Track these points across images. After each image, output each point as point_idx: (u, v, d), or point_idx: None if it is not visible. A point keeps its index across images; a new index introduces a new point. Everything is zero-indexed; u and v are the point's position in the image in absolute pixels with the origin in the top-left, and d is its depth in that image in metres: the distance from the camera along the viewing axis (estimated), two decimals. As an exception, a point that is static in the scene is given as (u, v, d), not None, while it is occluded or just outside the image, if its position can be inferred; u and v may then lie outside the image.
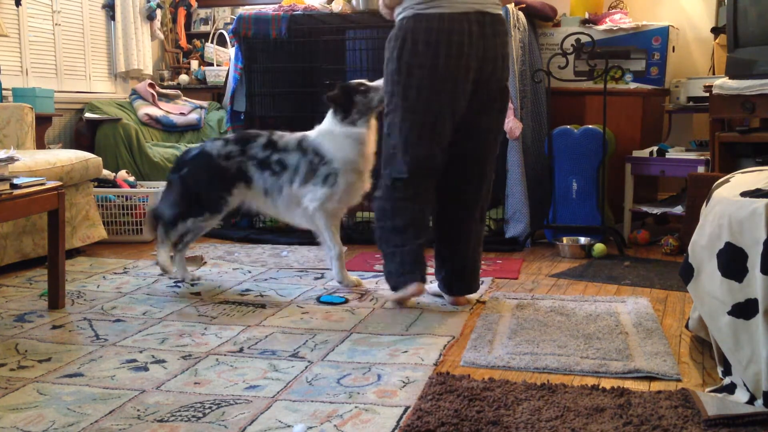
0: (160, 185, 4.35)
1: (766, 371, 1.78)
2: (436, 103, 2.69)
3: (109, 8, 5.28)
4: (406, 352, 2.34)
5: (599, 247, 3.82)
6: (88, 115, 4.69)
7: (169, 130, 5.18)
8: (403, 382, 2.07)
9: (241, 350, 2.36)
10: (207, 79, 5.63)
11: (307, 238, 3.99)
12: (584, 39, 4.24)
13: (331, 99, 3.10)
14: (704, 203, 2.26)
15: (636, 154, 4.22)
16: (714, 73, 4.57)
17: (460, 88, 2.69)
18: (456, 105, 2.71)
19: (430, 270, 2.92)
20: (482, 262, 3.64)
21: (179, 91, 5.51)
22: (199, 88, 5.70)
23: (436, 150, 2.75)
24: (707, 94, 3.88)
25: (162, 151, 4.71)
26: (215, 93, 5.71)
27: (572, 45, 4.27)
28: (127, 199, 4.19)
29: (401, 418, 1.83)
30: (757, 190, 1.98)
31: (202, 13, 5.98)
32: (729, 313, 1.92)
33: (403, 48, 2.67)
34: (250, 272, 3.48)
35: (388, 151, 2.81)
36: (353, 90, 3.08)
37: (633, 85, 4.40)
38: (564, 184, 4.08)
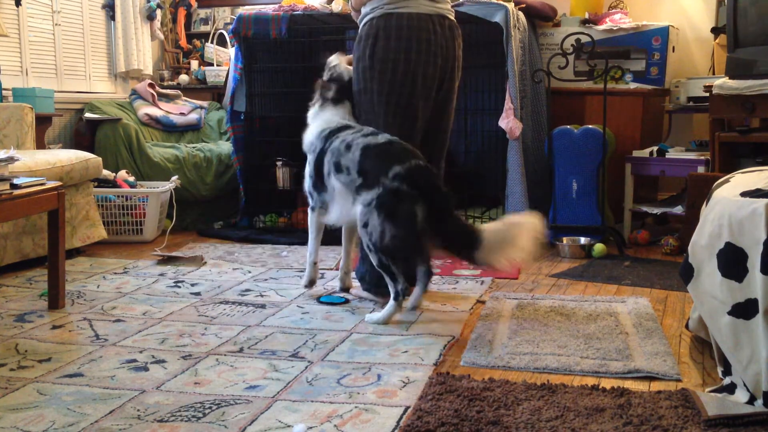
0: (160, 185, 4.37)
1: (766, 371, 1.79)
2: (409, 97, 2.81)
3: (109, 8, 5.27)
4: (406, 352, 2.34)
5: (599, 247, 3.82)
6: (88, 115, 4.69)
7: (169, 130, 5.18)
8: (403, 382, 2.07)
9: (241, 350, 2.36)
10: (207, 79, 5.62)
11: (305, 238, 3.99)
12: (584, 39, 4.24)
13: (337, 100, 2.95)
14: (704, 203, 2.26)
15: (636, 154, 4.22)
16: (714, 73, 4.57)
17: (429, 83, 2.84)
18: (427, 98, 2.86)
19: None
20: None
21: (179, 91, 5.50)
22: (199, 88, 5.70)
23: (415, 142, 2.84)
24: (707, 94, 3.88)
25: (162, 151, 4.71)
26: (215, 93, 5.71)
27: (572, 45, 4.27)
28: (127, 199, 4.18)
29: (401, 418, 1.83)
30: (757, 190, 1.98)
31: (202, 13, 5.97)
32: (729, 313, 1.92)
33: (375, 45, 2.81)
34: (250, 272, 3.48)
35: None
36: (348, 86, 2.97)
37: (633, 85, 4.39)
38: (564, 184, 4.08)
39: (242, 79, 4.55)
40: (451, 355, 2.32)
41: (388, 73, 2.80)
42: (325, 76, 3.04)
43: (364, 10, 2.89)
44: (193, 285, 3.23)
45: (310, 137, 2.93)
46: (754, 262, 1.84)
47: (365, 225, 2.57)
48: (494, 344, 2.40)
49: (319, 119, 2.94)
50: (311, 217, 2.99)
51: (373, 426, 1.79)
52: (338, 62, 3.03)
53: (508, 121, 3.96)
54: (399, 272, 2.59)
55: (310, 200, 2.98)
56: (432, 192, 2.55)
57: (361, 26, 2.91)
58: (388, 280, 2.62)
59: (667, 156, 4.13)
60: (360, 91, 2.88)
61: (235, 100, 4.58)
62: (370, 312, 2.76)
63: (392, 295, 2.62)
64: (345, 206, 2.74)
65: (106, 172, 4.17)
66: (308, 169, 2.94)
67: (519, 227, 2.55)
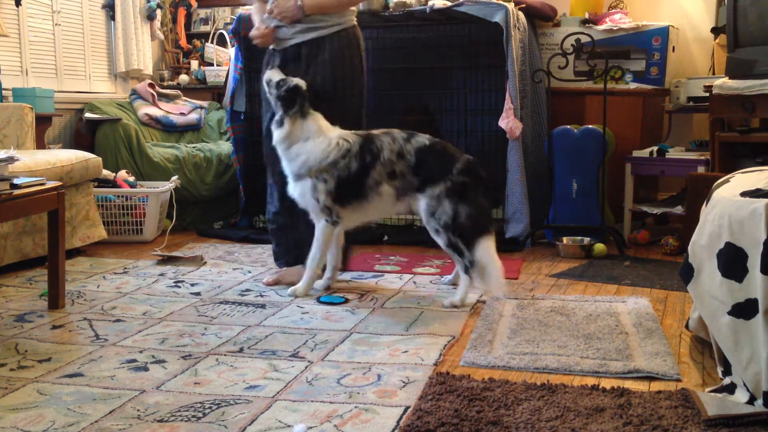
0: (160, 185, 4.37)
1: (766, 371, 1.79)
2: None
3: (109, 8, 5.27)
4: (406, 352, 2.34)
5: (599, 247, 3.82)
6: (88, 115, 4.68)
7: (169, 130, 5.17)
8: (403, 382, 2.07)
9: (241, 350, 2.36)
10: (207, 79, 5.62)
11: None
12: (584, 39, 4.24)
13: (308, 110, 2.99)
14: (704, 203, 2.26)
15: (636, 154, 4.22)
16: (714, 73, 4.57)
17: None
18: None
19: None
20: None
21: (179, 91, 5.50)
22: (199, 88, 5.70)
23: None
24: (707, 94, 3.88)
25: (162, 151, 4.71)
26: (215, 93, 5.71)
27: (572, 45, 4.27)
28: (127, 199, 4.18)
29: (401, 418, 1.83)
30: (757, 190, 1.98)
31: (202, 13, 5.97)
32: (729, 313, 1.92)
33: (361, 54, 3.15)
34: (250, 272, 3.48)
35: None
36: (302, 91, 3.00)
37: (633, 85, 4.39)
38: (564, 184, 4.08)
39: (242, 79, 4.54)
40: (451, 355, 2.32)
41: (366, 78, 3.17)
42: (279, 93, 2.95)
43: (333, 19, 3.05)
44: (193, 285, 3.23)
45: (326, 156, 2.89)
46: (754, 262, 1.84)
47: (433, 213, 2.89)
48: (494, 344, 2.40)
49: (317, 136, 2.90)
50: (329, 231, 2.97)
51: (373, 426, 1.79)
52: (281, 76, 3.00)
53: (508, 121, 3.96)
54: (465, 248, 2.87)
55: (326, 216, 2.94)
56: (482, 180, 2.98)
57: (332, 32, 3.05)
58: (456, 257, 2.91)
59: (667, 156, 4.13)
60: (347, 95, 3.07)
61: (235, 100, 4.58)
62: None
63: (462, 270, 2.91)
64: (387, 206, 3.02)
65: (106, 172, 4.17)
66: (324, 187, 2.89)
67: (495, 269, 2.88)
